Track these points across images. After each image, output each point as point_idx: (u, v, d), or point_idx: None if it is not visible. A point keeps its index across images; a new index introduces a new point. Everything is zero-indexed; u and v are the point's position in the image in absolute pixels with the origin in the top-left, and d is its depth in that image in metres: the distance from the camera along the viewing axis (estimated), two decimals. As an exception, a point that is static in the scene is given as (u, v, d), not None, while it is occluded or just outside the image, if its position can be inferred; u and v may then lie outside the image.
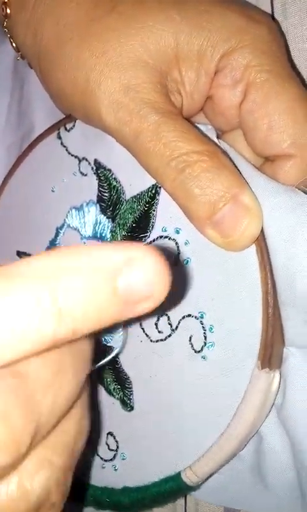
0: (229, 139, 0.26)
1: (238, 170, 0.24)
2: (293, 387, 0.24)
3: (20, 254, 0.32)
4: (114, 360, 0.28)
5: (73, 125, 0.29)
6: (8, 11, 0.28)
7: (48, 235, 0.31)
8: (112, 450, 0.28)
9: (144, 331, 0.27)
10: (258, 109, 0.23)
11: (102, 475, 0.28)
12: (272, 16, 0.27)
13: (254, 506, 0.26)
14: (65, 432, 0.17)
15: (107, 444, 0.28)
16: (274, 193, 0.23)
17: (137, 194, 0.27)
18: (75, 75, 0.25)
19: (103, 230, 0.28)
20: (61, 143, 0.30)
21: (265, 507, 0.25)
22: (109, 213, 0.28)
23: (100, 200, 0.28)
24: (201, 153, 0.23)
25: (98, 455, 0.28)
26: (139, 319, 0.27)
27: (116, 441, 0.28)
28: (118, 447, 0.28)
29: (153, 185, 0.26)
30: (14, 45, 0.29)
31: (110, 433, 0.28)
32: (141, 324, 0.27)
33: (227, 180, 0.22)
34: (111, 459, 0.28)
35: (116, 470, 0.28)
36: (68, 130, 0.29)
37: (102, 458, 0.28)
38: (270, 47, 0.23)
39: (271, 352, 0.23)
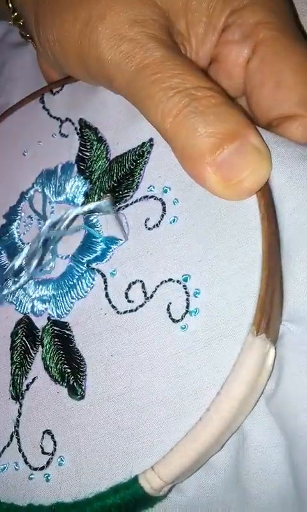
0: None
1: None
2: (290, 370, 0.20)
3: (-28, 222, 0.28)
4: (68, 338, 0.23)
5: (61, 89, 0.27)
6: None
7: (9, 201, 0.27)
8: (46, 453, 0.22)
9: (110, 302, 0.22)
10: (266, 67, 0.22)
11: (28, 490, 0.21)
12: None
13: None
14: None
15: (41, 447, 0.22)
16: (283, 144, 0.21)
17: (124, 153, 0.24)
18: (76, 10, 0.23)
19: (77, 192, 0.25)
20: (43, 107, 0.28)
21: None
22: (87, 174, 0.25)
23: (79, 159, 0.25)
24: (210, 89, 0.21)
25: (26, 462, 0.22)
26: (105, 287, 0.23)
27: (54, 441, 0.22)
28: (55, 449, 0.21)
29: (143, 142, 0.24)
30: (11, 5, 0.28)
31: (47, 431, 0.22)
32: (107, 294, 0.23)
33: (236, 118, 0.20)
34: (43, 467, 0.21)
35: (48, 480, 0.21)
36: (54, 94, 0.27)
37: (30, 466, 0.22)
38: (281, 8, 0.23)
39: (270, 317, 0.19)
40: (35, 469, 0.22)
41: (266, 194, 0.21)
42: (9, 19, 0.29)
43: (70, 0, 0.24)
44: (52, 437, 0.22)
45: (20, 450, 0.22)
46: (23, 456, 0.22)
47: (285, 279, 0.20)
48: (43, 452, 0.22)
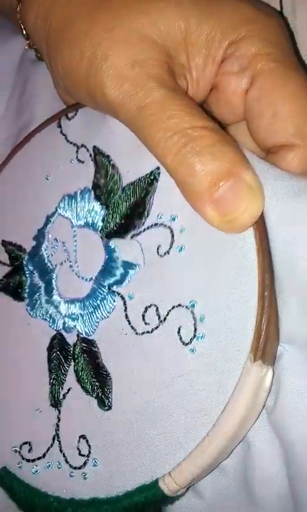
0: (232, 132, 0.26)
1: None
2: (287, 388, 0.22)
3: (6, 244, 0.31)
4: (95, 355, 0.26)
5: (75, 114, 0.29)
6: None
7: (37, 224, 0.29)
8: (83, 455, 0.25)
9: (129, 324, 0.25)
10: (264, 97, 0.23)
11: (69, 485, 0.25)
12: (281, 14, 0.27)
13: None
14: None
15: (78, 449, 0.25)
16: (276, 177, 0.22)
17: (135, 181, 0.26)
18: (82, 49, 0.24)
19: (95, 217, 0.27)
20: (61, 131, 0.29)
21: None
22: (103, 199, 0.27)
23: (95, 186, 0.27)
24: (206, 128, 0.22)
25: (67, 462, 0.26)
26: (124, 309, 0.25)
27: (89, 446, 0.25)
28: (90, 451, 0.25)
29: (151, 171, 0.25)
30: (24, 32, 0.29)
31: (82, 436, 0.25)
32: (126, 316, 0.25)
33: (230, 157, 0.22)
34: (81, 467, 0.25)
35: (85, 478, 0.25)
36: (70, 119, 0.29)
37: (70, 465, 0.25)
38: (279, 38, 0.23)
39: (265, 345, 0.21)
40: (74, 468, 0.25)
41: (260, 227, 0.22)
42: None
43: (76, 37, 0.25)
44: (87, 441, 0.25)
45: (61, 451, 0.26)
46: (64, 456, 0.26)
47: (280, 307, 0.22)
48: (80, 454, 0.25)
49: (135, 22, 0.23)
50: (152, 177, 0.25)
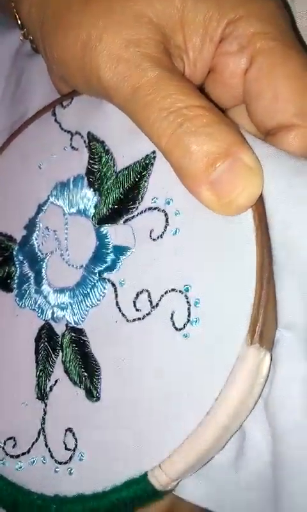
0: (230, 116, 0.25)
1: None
2: (281, 374, 0.21)
3: (-4, 233, 0.30)
4: (84, 344, 0.25)
5: (70, 102, 0.28)
6: None
7: (28, 213, 0.29)
8: (69, 449, 0.24)
9: (120, 311, 0.24)
10: (264, 77, 0.23)
11: (54, 481, 0.24)
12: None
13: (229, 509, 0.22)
14: None
15: (64, 443, 0.24)
16: (276, 157, 0.22)
17: (129, 165, 0.25)
18: (77, 32, 0.24)
19: (88, 204, 0.26)
20: (55, 120, 0.29)
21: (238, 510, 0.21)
22: (96, 186, 0.26)
23: (89, 172, 0.27)
24: (202, 107, 0.21)
25: (52, 457, 0.24)
26: (115, 296, 0.24)
27: (75, 439, 0.24)
28: (76, 445, 0.24)
29: (146, 155, 0.25)
30: (19, 22, 0.29)
31: (69, 429, 0.24)
32: (117, 303, 0.24)
33: (227, 137, 0.21)
34: (67, 462, 0.24)
35: (71, 474, 0.24)
36: (64, 107, 0.29)
37: (56, 460, 0.24)
38: (277, 18, 0.23)
39: (263, 327, 0.20)
40: (59, 463, 0.24)
41: (259, 206, 0.21)
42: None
43: (70, 21, 0.24)
44: (73, 435, 0.24)
45: (46, 445, 0.25)
46: (49, 451, 0.24)
47: (278, 288, 0.21)
48: (66, 448, 0.24)
49: (131, 1, 0.23)
50: (147, 161, 0.25)
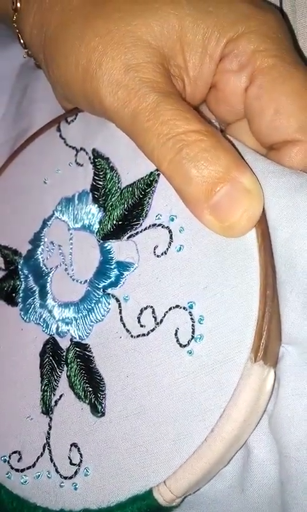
0: (232, 131, 0.25)
1: (241, 155, 0.23)
2: (286, 390, 0.21)
3: (1, 248, 0.30)
4: (89, 359, 0.25)
5: (75, 118, 0.29)
6: (18, 4, 0.28)
7: (33, 228, 0.29)
8: (74, 464, 0.24)
9: (124, 326, 0.24)
10: (265, 94, 0.23)
11: (59, 496, 0.24)
12: (281, 11, 0.27)
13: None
14: None
15: (69, 458, 0.24)
16: (277, 174, 0.22)
17: (133, 182, 0.26)
18: (77, 57, 0.24)
19: (92, 220, 0.27)
20: (60, 135, 0.29)
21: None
22: (100, 202, 0.27)
23: (94, 189, 0.27)
24: (199, 132, 0.22)
25: (57, 472, 0.24)
26: (119, 312, 0.24)
27: (80, 454, 0.24)
28: (81, 460, 0.24)
29: (151, 172, 0.25)
30: (22, 41, 0.29)
31: (74, 444, 0.24)
32: (121, 319, 0.24)
33: (225, 161, 0.21)
34: (72, 476, 0.24)
35: (76, 489, 0.24)
36: (69, 123, 0.29)
37: (61, 475, 0.24)
38: (277, 34, 0.23)
39: (267, 344, 0.21)
40: (65, 478, 0.24)
41: (262, 224, 0.22)
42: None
43: (70, 45, 0.25)
44: (78, 450, 0.24)
45: (51, 460, 0.25)
46: (54, 465, 0.25)
47: (281, 305, 0.21)
48: (71, 463, 0.24)
49: (130, 25, 0.23)
50: (151, 178, 0.25)
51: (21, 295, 0.28)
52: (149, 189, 0.25)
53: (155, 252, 0.24)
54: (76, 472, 0.24)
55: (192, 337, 0.22)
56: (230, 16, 0.23)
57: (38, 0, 0.27)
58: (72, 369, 0.25)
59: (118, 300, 0.25)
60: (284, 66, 0.23)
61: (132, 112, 0.23)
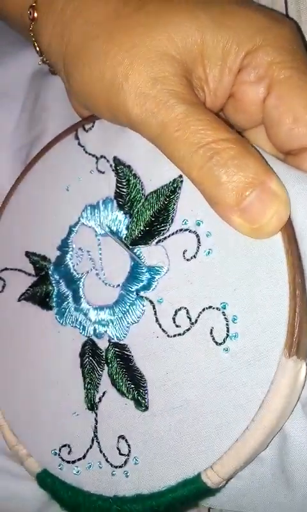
0: (249, 136, 0.27)
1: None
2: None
3: (29, 255, 0.31)
4: (128, 358, 0.27)
5: (92, 126, 0.30)
6: (36, 14, 0.28)
7: (60, 234, 0.30)
8: (123, 454, 0.26)
9: (160, 327, 0.26)
10: (282, 104, 0.24)
11: (112, 484, 0.26)
12: (287, 14, 0.28)
13: (272, 509, 0.24)
14: None
15: (118, 448, 0.26)
16: (299, 179, 0.24)
17: (157, 189, 0.27)
18: (102, 69, 0.25)
19: (119, 226, 0.28)
20: (79, 143, 0.30)
21: (284, 509, 0.24)
22: (126, 209, 0.28)
23: (118, 196, 0.28)
24: (229, 140, 0.23)
25: (107, 461, 0.27)
26: (154, 313, 0.26)
27: (128, 445, 0.26)
28: (130, 451, 0.26)
29: (174, 179, 0.26)
30: (38, 49, 0.30)
31: (121, 436, 0.26)
32: (157, 320, 0.26)
33: (254, 167, 0.23)
34: (122, 465, 0.26)
35: (127, 476, 0.26)
36: (87, 131, 0.30)
37: (111, 464, 0.27)
38: (292, 45, 0.25)
39: (299, 341, 0.23)
40: (116, 467, 0.26)
41: (288, 229, 0.23)
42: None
43: (94, 57, 0.25)
44: (126, 441, 0.26)
45: (100, 451, 0.27)
46: (104, 456, 0.27)
47: None
48: (120, 454, 0.26)
49: (154, 39, 0.24)
50: (175, 185, 0.26)
51: (55, 299, 0.30)
52: (173, 196, 0.26)
53: (184, 256, 0.26)
54: (126, 461, 0.26)
55: (227, 335, 0.24)
56: (248, 29, 0.24)
57: (58, 11, 0.27)
58: (113, 368, 0.27)
59: (152, 302, 0.27)
60: (300, 77, 0.24)
61: (160, 123, 0.24)
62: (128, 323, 0.27)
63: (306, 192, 0.23)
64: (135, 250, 0.27)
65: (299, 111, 0.24)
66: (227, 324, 0.24)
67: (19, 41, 0.33)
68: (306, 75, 0.24)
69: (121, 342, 0.27)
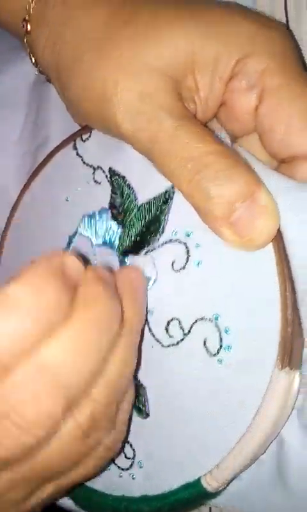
0: (243, 143, 0.26)
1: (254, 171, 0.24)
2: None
3: (33, 263, 0.32)
4: (129, 367, 0.28)
5: (89, 136, 0.30)
6: (29, 27, 0.28)
7: (60, 244, 0.31)
8: (129, 458, 0.27)
9: (154, 337, 0.27)
10: (274, 113, 0.24)
11: (120, 484, 0.28)
12: (287, 23, 0.27)
13: (272, 509, 0.25)
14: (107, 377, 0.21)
15: (123, 452, 0.28)
16: (290, 190, 0.23)
17: (150, 200, 0.27)
18: (92, 84, 0.25)
19: (113, 236, 0.28)
20: (77, 153, 0.30)
21: (283, 510, 0.25)
22: (119, 219, 0.28)
23: (111, 206, 0.29)
24: (217, 153, 0.23)
25: (115, 464, 0.28)
26: (147, 323, 0.27)
27: (133, 450, 0.27)
28: (134, 455, 0.27)
29: (166, 190, 0.26)
30: (33, 60, 0.30)
31: (126, 441, 0.27)
32: (150, 330, 0.27)
33: (242, 180, 0.23)
34: (128, 468, 0.27)
35: (134, 478, 0.27)
36: (84, 141, 0.30)
37: (119, 467, 0.28)
38: (283, 52, 0.24)
39: (291, 351, 0.23)
40: (122, 469, 0.28)
41: (278, 240, 0.23)
42: None
43: (84, 72, 0.25)
44: (131, 446, 0.27)
45: (108, 454, 0.28)
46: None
47: (302, 314, 0.23)
48: (126, 457, 0.27)
49: (142, 54, 0.24)
50: (167, 196, 0.26)
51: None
52: (165, 206, 0.27)
53: (173, 266, 0.26)
54: (131, 465, 0.27)
55: (221, 346, 0.24)
56: (237, 37, 0.24)
57: (50, 24, 0.27)
58: None
59: None
60: (292, 86, 0.23)
61: (149, 137, 0.24)
62: None
63: (294, 204, 0.23)
64: (125, 260, 0.28)
65: (291, 119, 0.24)
66: (220, 335, 0.24)
67: (20, 47, 0.33)
68: (297, 82, 0.24)
69: None
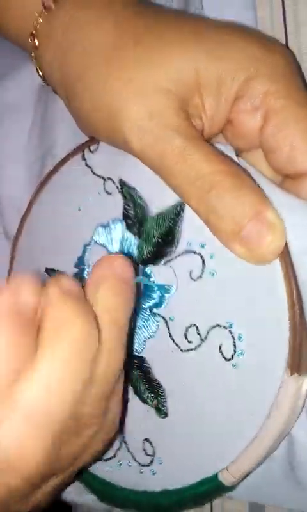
0: (248, 158, 0.27)
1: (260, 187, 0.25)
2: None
3: (48, 271, 0.34)
4: (147, 370, 0.29)
5: (97, 147, 0.31)
6: (36, 42, 0.29)
7: (75, 252, 0.32)
8: (149, 455, 0.29)
9: (174, 342, 0.28)
10: (278, 134, 0.25)
11: (141, 480, 0.30)
12: (286, 39, 0.28)
13: (284, 501, 0.27)
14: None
15: (144, 450, 0.29)
16: (295, 209, 0.25)
17: (162, 212, 0.28)
18: (101, 101, 0.26)
19: (130, 246, 0.30)
20: (86, 164, 0.31)
21: (295, 502, 0.27)
22: (135, 230, 0.29)
23: (125, 217, 0.30)
24: (225, 173, 0.24)
25: (135, 460, 0.30)
26: (168, 329, 0.28)
27: (153, 447, 0.29)
28: (154, 452, 0.29)
29: (178, 202, 0.28)
30: (40, 73, 0.31)
31: (146, 439, 0.29)
32: (170, 335, 0.28)
33: (250, 198, 0.24)
34: (149, 464, 0.29)
35: (154, 474, 0.29)
36: (92, 152, 0.31)
37: (139, 463, 0.30)
38: (286, 74, 0.25)
39: (299, 359, 0.24)
40: (143, 465, 0.29)
41: (285, 254, 0.25)
42: None
43: (93, 88, 0.26)
44: (151, 444, 0.29)
45: (129, 451, 0.30)
46: (132, 456, 0.30)
47: None
48: (146, 454, 0.29)
49: (149, 74, 0.25)
50: (178, 208, 0.28)
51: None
52: (177, 218, 0.28)
53: (191, 276, 0.27)
54: (152, 461, 0.29)
55: (235, 351, 0.26)
56: (241, 60, 0.25)
57: (58, 39, 0.28)
58: (135, 378, 0.30)
59: (164, 319, 0.29)
60: (295, 107, 0.24)
61: (158, 155, 0.25)
62: (144, 337, 0.29)
63: (299, 223, 0.24)
64: (146, 269, 0.29)
65: (296, 139, 0.25)
66: (234, 342, 0.26)
67: (25, 55, 0.34)
68: (300, 104, 0.25)
69: (140, 355, 0.30)
